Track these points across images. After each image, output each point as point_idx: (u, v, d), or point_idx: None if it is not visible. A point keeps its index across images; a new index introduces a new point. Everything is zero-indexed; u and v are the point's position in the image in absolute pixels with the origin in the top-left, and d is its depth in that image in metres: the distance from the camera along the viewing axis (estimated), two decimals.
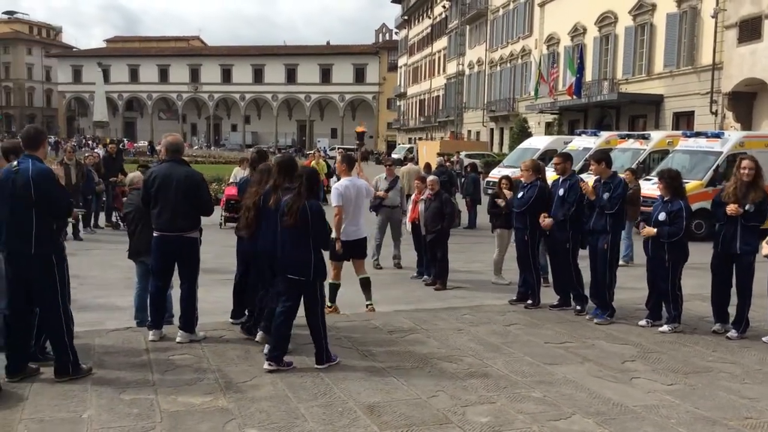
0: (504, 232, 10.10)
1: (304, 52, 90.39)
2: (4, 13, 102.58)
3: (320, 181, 9.31)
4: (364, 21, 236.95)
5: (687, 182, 11.84)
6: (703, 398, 5.33)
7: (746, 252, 7.08)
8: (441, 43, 63.48)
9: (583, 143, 22.10)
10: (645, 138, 20.21)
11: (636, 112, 30.99)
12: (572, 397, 5.28)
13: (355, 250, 8.09)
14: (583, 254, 8.06)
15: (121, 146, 25.46)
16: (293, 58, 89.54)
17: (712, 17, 25.06)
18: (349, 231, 7.90)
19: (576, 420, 4.84)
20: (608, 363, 6.19)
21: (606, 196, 7.60)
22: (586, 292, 8.05)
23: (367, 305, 8.20)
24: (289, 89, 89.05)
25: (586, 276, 8.06)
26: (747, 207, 6.96)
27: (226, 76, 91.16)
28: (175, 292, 6.77)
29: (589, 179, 8.63)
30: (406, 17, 77.72)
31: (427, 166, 17.42)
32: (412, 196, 10.95)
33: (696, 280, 8.88)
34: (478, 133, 53.32)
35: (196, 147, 72.04)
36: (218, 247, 11.41)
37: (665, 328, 7.32)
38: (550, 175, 9.35)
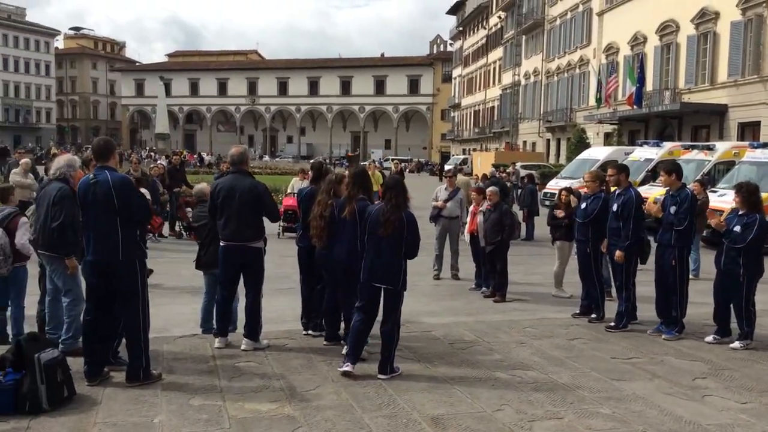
0: (565, 244, 9.94)
1: (358, 65, 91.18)
2: (70, 29, 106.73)
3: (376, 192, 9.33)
4: (419, 33, 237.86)
5: None
6: None
7: None
8: (496, 53, 63.15)
9: (644, 154, 21.63)
10: (710, 149, 19.64)
11: (699, 123, 30.16)
12: (642, 414, 5.14)
13: None
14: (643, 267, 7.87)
15: (183, 158, 26.16)
16: (348, 70, 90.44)
17: None
18: None
19: None
20: (678, 380, 6.02)
21: (673, 209, 7.41)
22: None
23: None
24: (344, 101, 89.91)
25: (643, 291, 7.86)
26: None
27: (283, 88, 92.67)
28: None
29: (650, 191, 8.44)
30: (461, 28, 77.66)
31: (483, 177, 17.33)
32: (471, 208, 10.89)
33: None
34: (533, 143, 52.77)
35: (254, 158, 73.34)
36: (276, 256, 11.53)
37: (737, 344, 7.08)
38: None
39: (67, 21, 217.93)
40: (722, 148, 19.54)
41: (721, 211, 8.85)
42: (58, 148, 39.68)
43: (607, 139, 37.66)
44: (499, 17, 61.30)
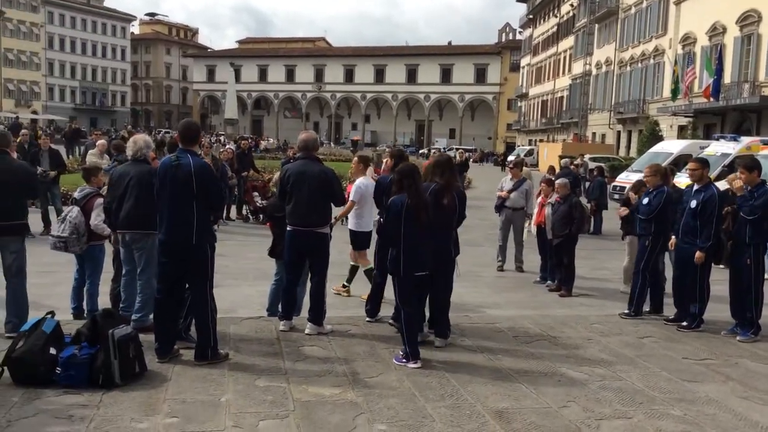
0: (635, 239, 9.64)
1: (425, 53, 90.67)
2: (146, 14, 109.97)
3: None
4: (487, 21, 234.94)
5: None
6: None
7: None
8: (567, 42, 61.75)
9: (721, 148, 20.75)
10: None
11: None
12: (715, 418, 4.95)
13: (367, 241, 8.52)
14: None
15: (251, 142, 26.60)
16: (414, 59, 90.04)
17: None
18: (362, 223, 8.44)
19: None
20: (754, 383, 5.77)
21: (749, 206, 7.10)
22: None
23: (343, 285, 8.85)
24: (410, 89, 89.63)
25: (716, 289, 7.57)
26: None
27: (349, 75, 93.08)
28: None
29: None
30: (531, 16, 76.22)
31: (551, 168, 16.97)
32: (539, 200, 10.69)
33: None
34: (603, 135, 51.45)
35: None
36: (340, 243, 11.61)
37: None
38: (685, 180, 8.83)
39: (143, 7, 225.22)
40: None
41: None
42: (132, 130, 40.94)
43: (681, 132, 36.40)
44: (572, 5, 59.85)
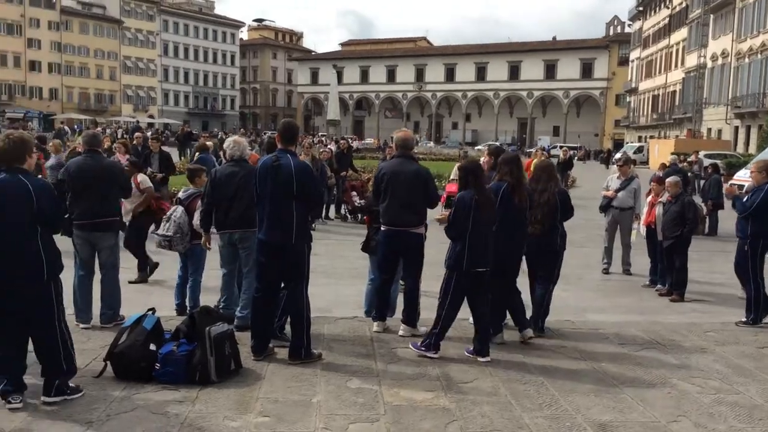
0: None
1: (528, 48, 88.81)
2: (254, 20, 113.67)
3: None
4: (594, 14, 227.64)
5: None
6: None
7: None
8: (680, 34, 58.78)
9: None
10: None
11: None
12: None
13: None
14: None
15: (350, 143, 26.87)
16: (517, 55, 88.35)
17: None
18: None
19: None
20: None
21: None
22: None
23: None
24: (512, 86, 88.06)
25: None
26: None
27: (450, 74, 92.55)
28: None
29: None
30: (640, 8, 73.12)
31: (662, 166, 16.12)
32: (648, 199, 10.13)
33: None
34: (719, 131, 48.66)
35: (419, 144, 74.03)
36: (437, 242, 11.44)
37: None
38: None
39: (251, 13, 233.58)
40: None
41: None
42: (240, 133, 42.58)
43: None
44: None
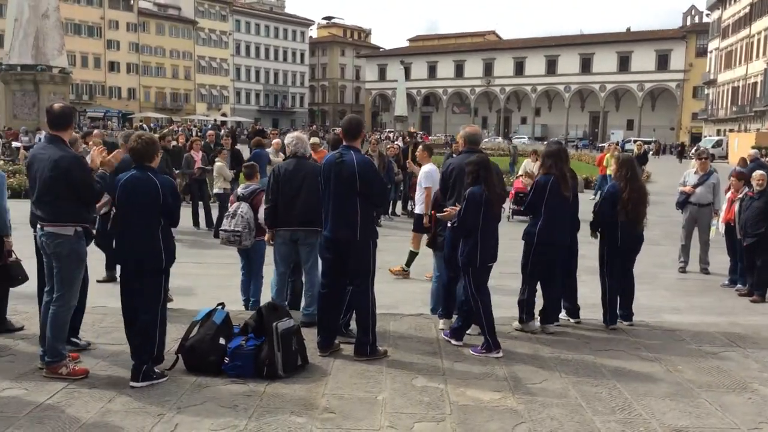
0: None
1: (601, 40, 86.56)
2: (323, 18, 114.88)
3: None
4: (670, 4, 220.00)
5: None
6: None
7: None
8: (762, 23, 56.15)
9: None
10: None
11: None
12: None
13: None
14: None
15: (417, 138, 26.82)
16: (589, 47, 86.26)
17: None
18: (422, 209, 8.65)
19: None
20: None
21: None
22: None
23: (403, 268, 9.65)
24: (583, 79, 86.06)
25: None
26: None
27: (519, 68, 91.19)
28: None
29: None
30: None
31: (742, 160, 15.39)
32: (728, 195, 9.69)
33: None
34: None
35: (487, 140, 73.27)
36: (506, 239, 11.25)
37: None
38: None
39: (321, 11, 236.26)
40: None
41: None
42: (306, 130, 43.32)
43: None
44: None
